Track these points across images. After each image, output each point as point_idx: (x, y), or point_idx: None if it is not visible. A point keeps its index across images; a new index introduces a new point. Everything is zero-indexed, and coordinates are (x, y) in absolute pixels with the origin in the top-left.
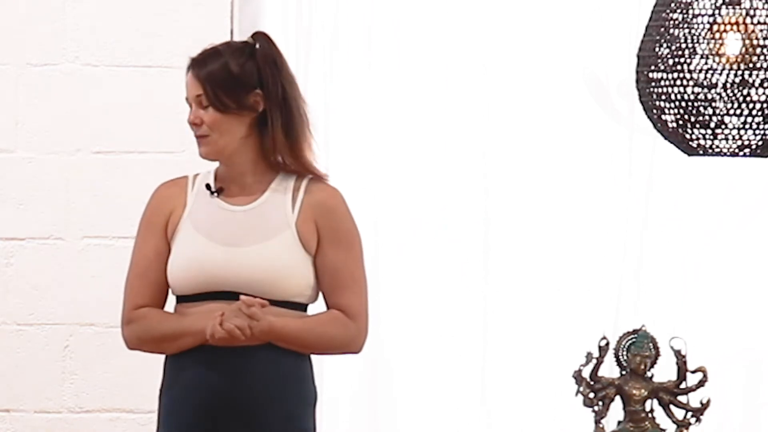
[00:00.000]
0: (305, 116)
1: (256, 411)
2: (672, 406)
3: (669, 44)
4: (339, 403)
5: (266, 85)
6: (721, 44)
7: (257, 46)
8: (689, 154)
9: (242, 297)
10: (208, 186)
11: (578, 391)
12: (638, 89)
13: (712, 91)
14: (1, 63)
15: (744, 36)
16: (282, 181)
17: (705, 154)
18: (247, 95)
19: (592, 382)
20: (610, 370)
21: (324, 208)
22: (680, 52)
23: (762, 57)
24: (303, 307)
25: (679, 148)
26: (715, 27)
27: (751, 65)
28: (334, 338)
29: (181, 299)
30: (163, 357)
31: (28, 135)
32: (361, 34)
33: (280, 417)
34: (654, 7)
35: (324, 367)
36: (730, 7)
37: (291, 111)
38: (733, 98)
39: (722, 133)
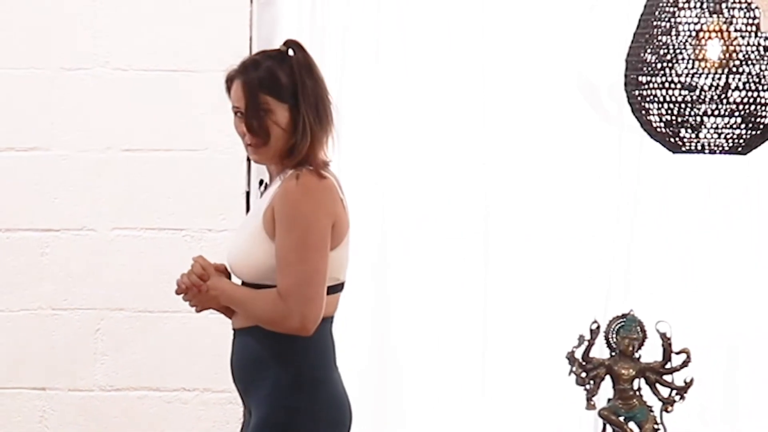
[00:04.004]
0: (330, 118)
1: (246, 384)
2: (658, 385)
3: (655, 50)
4: (347, 381)
5: (301, 93)
6: (704, 50)
7: (291, 54)
8: (674, 152)
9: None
10: (261, 181)
11: (571, 371)
12: (627, 92)
13: (696, 93)
14: (37, 68)
15: (725, 42)
16: (284, 174)
17: (689, 151)
18: (285, 103)
19: (584, 363)
20: (600, 351)
21: (279, 194)
22: (666, 57)
23: (741, 61)
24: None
25: (664, 146)
26: (700, 34)
27: (732, 69)
28: (264, 312)
29: None
30: (178, 340)
31: (62, 134)
32: (369, 39)
33: (261, 393)
34: (641, 15)
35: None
36: (713, 15)
37: (321, 117)
38: (715, 100)
39: (705, 131)
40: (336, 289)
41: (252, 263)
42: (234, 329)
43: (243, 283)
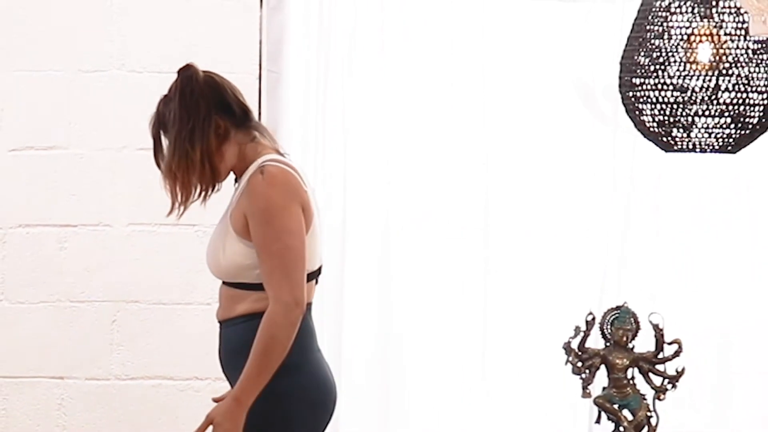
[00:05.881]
0: (210, 131)
1: (231, 372)
2: (651, 374)
3: (648, 53)
4: (354, 368)
5: (181, 121)
6: (695, 53)
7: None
8: (667, 151)
9: None
10: (236, 179)
11: (567, 361)
12: (621, 93)
13: (687, 94)
14: (56, 70)
15: (716, 46)
16: (249, 171)
17: (681, 150)
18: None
19: (579, 353)
20: (595, 342)
21: (245, 194)
22: (659, 60)
23: (731, 64)
24: (258, 287)
25: (657, 146)
26: (691, 38)
27: (722, 71)
28: (275, 340)
29: None
30: (191, 331)
31: (79, 133)
32: (374, 43)
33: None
34: (635, 20)
35: (342, 338)
36: (704, 20)
37: (189, 143)
38: (706, 101)
39: (696, 131)
40: (310, 276)
41: (224, 263)
42: (218, 321)
43: (224, 283)
